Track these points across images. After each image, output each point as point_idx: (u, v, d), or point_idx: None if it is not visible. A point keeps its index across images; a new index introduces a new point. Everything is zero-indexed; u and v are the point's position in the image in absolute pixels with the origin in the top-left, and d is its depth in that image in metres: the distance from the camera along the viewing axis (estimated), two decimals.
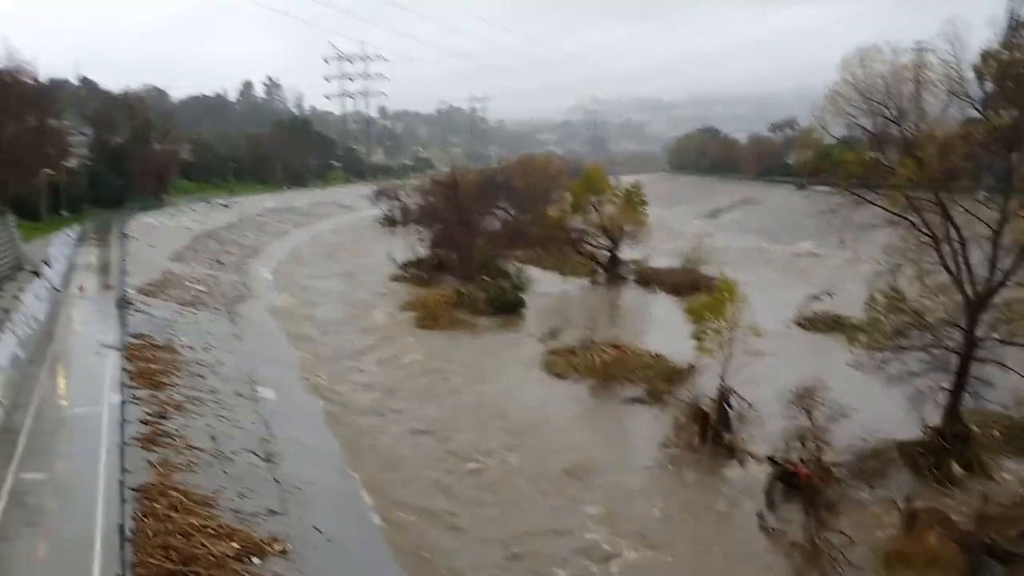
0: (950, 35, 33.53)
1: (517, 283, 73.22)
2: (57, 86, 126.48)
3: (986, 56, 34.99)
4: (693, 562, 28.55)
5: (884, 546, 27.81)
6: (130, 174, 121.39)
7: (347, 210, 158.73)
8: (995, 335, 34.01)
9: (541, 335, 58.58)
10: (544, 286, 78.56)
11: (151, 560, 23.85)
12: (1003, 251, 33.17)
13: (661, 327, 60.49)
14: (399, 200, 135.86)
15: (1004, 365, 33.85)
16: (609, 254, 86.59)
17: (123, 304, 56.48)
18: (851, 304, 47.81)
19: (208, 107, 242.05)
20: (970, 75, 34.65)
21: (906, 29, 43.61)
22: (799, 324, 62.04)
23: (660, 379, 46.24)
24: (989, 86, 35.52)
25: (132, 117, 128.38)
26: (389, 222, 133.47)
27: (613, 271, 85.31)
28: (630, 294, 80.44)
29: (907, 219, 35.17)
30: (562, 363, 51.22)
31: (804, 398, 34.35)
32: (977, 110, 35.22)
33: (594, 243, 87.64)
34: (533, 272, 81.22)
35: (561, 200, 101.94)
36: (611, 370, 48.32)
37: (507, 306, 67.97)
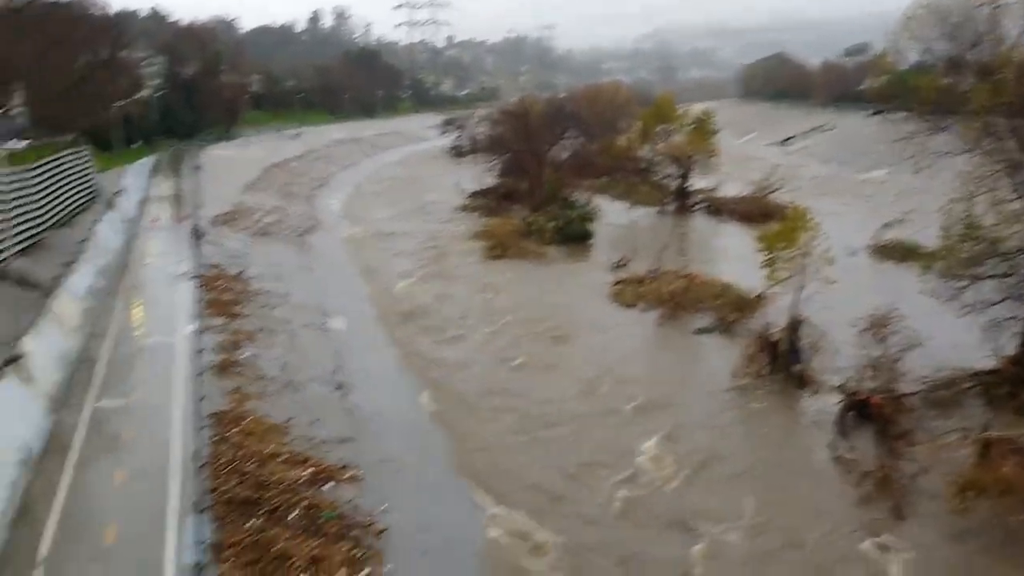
0: None
1: (585, 213, 72.35)
2: (127, 17, 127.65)
3: None
4: (764, 492, 28.30)
5: (957, 475, 27.20)
6: (200, 106, 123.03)
7: (415, 140, 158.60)
8: None
9: (609, 265, 58.04)
10: (612, 216, 77.61)
11: (226, 486, 24.61)
12: None
13: (731, 256, 59.42)
14: (467, 130, 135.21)
15: None
16: (678, 183, 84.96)
17: (196, 235, 57.63)
18: (925, 232, 46.27)
19: (276, 38, 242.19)
20: None
21: None
22: (872, 252, 60.54)
23: (730, 309, 45.52)
24: None
25: (202, 49, 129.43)
26: (457, 152, 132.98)
27: (682, 200, 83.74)
28: (699, 223, 79.03)
29: (982, 146, 33.92)
30: (630, 293, 50.71)
31: (877, 327, 33.90)
32: None
33: (663, 172, 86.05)
34: (601, 202, 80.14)
35: (630, 129, 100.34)
36: (679, 300, 47.68)
37: (575, 236, 67.42)
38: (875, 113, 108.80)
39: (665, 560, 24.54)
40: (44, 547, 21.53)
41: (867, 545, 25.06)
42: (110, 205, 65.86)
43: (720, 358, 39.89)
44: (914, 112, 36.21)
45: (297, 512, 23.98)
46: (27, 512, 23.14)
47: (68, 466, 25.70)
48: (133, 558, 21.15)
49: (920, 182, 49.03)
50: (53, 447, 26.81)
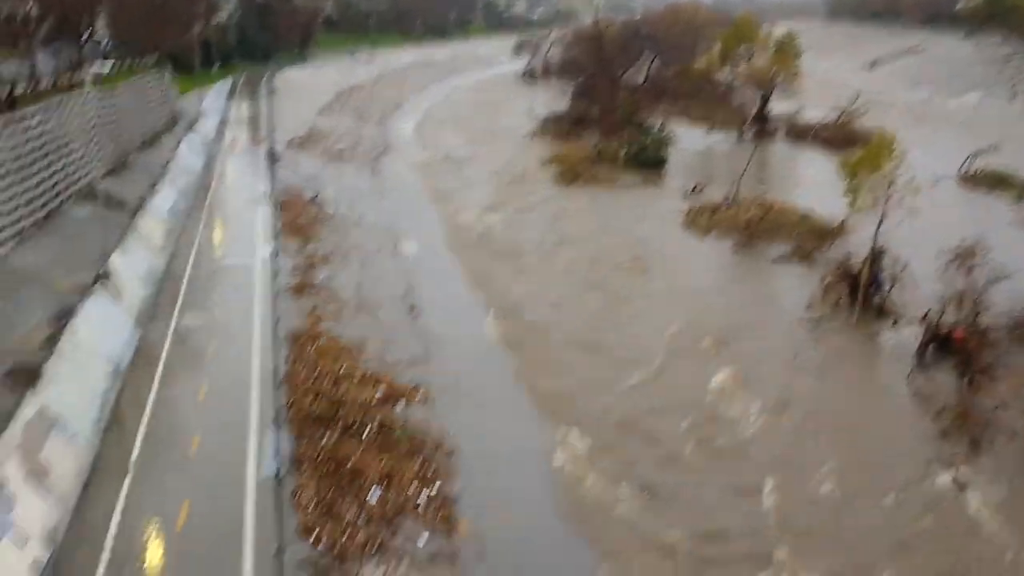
0: None
1: (660, 138, 71.02)
2: None
3: None
4: (834, 425, 27.94)
5: None
6: (275, 29, 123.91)
7: (487, 64, 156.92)
8: None
9: (683, 192, 57.13)
10: (688, 141, 76.00)
11: (303, 402, 25.36)
12: None
13: (811, 184, 57.93)
14: (539, 54, 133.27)
15: None
16: (758, 107, 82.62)
17: (272, 158, 58.48)
18: (1020, 160, 44.23)
19: None
20: None
21: None
22: (960, 181, 58.32)
23: (808, 237, 44.53)
24: None
25: None
26: (529, 76, 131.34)
27: (762, 125, 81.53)
28: (779, 149, 77.02)
29: None
30: (705, 221, 49.93)
31: (963, 258, 32.67)
32: None
33: (742, 96, 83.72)
34: (677, 126, 78.45)
35: (708, 51, 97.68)
36: (756, 228, 46.78)
37: (649, 162, 66.32)
38: (970, 34, 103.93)
39: (746, 510, 24.31)
40: (134, 454, 22.58)
41: (944, 480, 24.61)
42: (191, 127, 67.09)
43: (798, 288, 39.15)
44: (1012, 33, 34.05)
45: (371, 429, 24.58)
46: (117, 421, 24.25)
47: (154, 379, 26.76)
48: (216, 468, 22.06)
49: (1016, 107, 46.82)
50: (140, 360, 27.92)
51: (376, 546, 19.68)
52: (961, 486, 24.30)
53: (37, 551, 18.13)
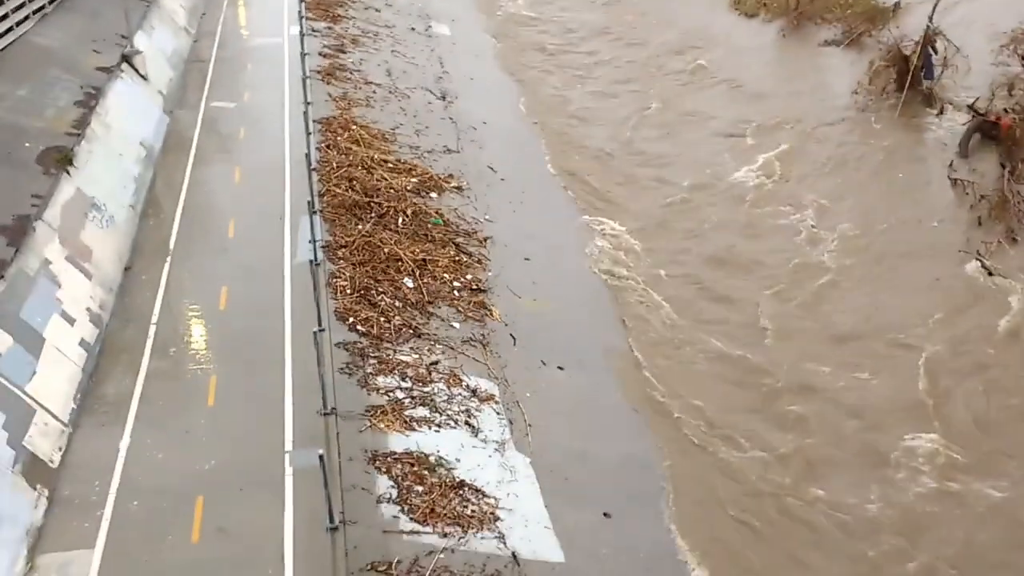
0: None
1: None
2: None
3: None
4: (869, 210, 27.96)
5: None
6: None
7: None
8: None
9: None
10: None
11: (337, 189, 25.23)
12: None
13: None
14: None
15: None
16: None
17: None
18: None
19: None
20: None
21: None
22: None
23: (860, 19, 41.94)
24: None
25: None
26: None
27: None
28: None
29: None
30: (752, 1, 47.20)
31: (1019, 42, 31.02)
32: None
33: None
34: None
35: None
36: (805, 9, 44.16)
37: None
38: None
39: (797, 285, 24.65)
40: (172, 238, 22.87)
41: (972, 267, 24.86)
42: None
43: (846, 75, 37.50)
44: None
45: (405, 217, 24.58)
46: (153, 205, 24.41)
47: (187, 163, 26.67)
48: (254, 251, 22.33)
49: None
50: (172, 144, 27.72)
51: (411, 330, 20.13)
52: (989, 272, 24.40)
53: (85, 330, 18.77)
